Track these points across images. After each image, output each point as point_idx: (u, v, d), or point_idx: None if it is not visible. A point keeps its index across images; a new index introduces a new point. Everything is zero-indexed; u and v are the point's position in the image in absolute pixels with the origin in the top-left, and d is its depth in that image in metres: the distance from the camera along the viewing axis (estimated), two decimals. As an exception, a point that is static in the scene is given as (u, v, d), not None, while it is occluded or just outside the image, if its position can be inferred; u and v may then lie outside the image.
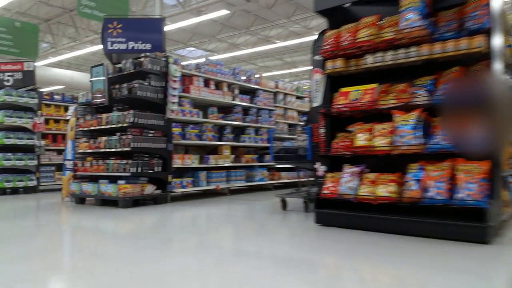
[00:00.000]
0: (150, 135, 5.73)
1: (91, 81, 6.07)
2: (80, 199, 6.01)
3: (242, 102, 7.40)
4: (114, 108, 5.87)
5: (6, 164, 7.47)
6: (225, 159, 6.82)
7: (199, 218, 4.73)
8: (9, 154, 7.55)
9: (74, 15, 15.64)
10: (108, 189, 5.53)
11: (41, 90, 8.21)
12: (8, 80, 7.94)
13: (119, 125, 5.64)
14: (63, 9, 15.30)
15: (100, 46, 6.39)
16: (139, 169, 5.50)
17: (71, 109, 6.51)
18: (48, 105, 8.49)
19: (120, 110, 5.78)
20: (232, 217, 4.68)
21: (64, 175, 6.51)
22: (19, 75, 8.01)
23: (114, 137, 5.68)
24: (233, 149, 7.13)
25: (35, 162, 7.93)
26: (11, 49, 9.30)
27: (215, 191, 6.93)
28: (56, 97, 8.74)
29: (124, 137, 5.54)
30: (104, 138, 5.83)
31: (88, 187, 5.82)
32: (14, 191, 7.87)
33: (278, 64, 21.96)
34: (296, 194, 4.98)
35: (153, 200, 5.79)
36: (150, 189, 5.68)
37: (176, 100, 5.92)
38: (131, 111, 5.51)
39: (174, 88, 5.92)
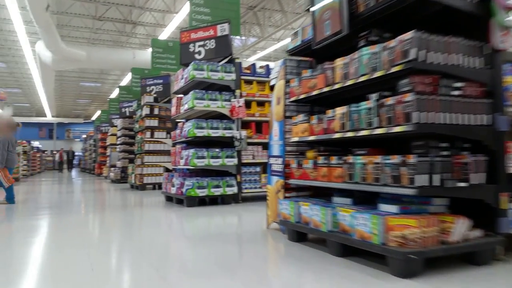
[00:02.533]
0: (456, 93, 2.31)
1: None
2: (298, 234, 3.10)
3: None
4: (361, 40, 2.69)
5: (199, 164, 5.36)
6: None
7: None
8: (202, 149, 5.45)
9: (280, -6, 13.81)
10: (358, 223, 2.40)
11: (239, 61, 5.89)
12: (199, 52, 5.90)
13: (377, 75, 2.43)
14: (268, -13, 13.63)
15: None
16: (435, 179, 2.16)
17: (276, 66, 3.69)
18: (249, 82, 6.12)
19: (374, 43, 2.57)
20: None
21: (270, 184, 3.77)
22: (211, 44, 5.88)
23: (364, 105, 2.51)
24: None
25: (234, 161, 5.65)
26: (209, 24, 7.46)
27: None
28: (259, 70, 6.31)
29: (390, 101, 2.31)
30: (339, 110, 2.74)
31: (313, 212, 2.84)
32: (213, 200, 5.79)
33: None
34: None
35: (464, 257, 2.35)
36: (460, 228, 2.25)
37: (519, -1, 2.32)
38: (409, 35, 2.22)
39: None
